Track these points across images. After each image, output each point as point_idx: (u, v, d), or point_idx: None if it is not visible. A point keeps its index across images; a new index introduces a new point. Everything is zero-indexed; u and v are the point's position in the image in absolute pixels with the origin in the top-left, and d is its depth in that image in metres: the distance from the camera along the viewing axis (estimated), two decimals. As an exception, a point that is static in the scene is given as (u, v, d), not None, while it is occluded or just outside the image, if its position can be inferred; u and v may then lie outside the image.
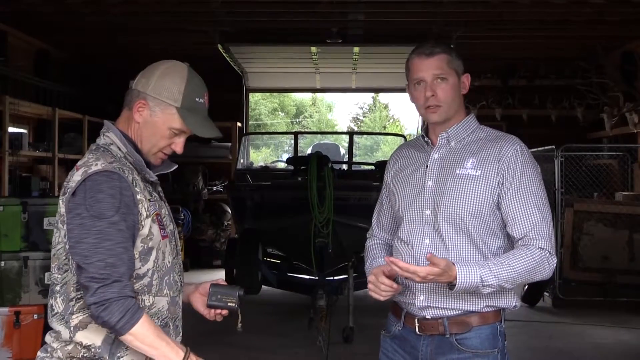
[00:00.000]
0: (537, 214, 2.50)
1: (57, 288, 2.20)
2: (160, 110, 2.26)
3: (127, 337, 2.10)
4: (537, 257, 2.46)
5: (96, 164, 2.16)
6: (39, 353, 2.26)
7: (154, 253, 2.22)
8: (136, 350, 2.15)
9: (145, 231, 2.19)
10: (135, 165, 2.25)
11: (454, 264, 2.41)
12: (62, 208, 2.18)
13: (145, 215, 2.19)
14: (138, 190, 2.19)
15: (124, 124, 2.31)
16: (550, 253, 2.49)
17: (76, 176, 2.17)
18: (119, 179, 2.14)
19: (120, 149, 2.26)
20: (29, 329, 6.13)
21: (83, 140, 10.09)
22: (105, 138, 2.29)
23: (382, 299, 2.55)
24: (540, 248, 2.47)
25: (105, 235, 2.08)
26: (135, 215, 2.15)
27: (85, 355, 2.17)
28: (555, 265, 2.52)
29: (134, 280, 2.18)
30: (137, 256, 2.18)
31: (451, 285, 2.42)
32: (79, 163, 2.22)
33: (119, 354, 2.18)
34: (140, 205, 2.17)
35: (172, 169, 2.43)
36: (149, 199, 2.23)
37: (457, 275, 2.40)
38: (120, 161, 2.21)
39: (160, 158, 2.34)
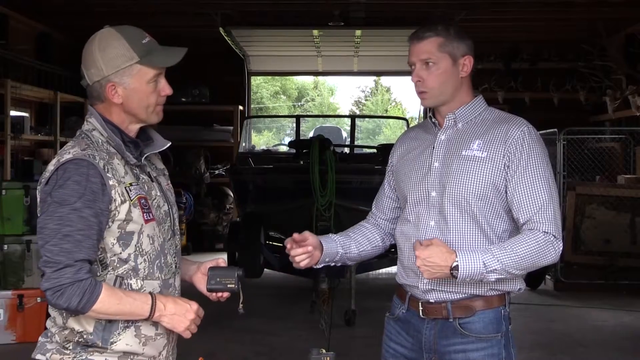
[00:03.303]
0: (543, 197, 2.45)
1: None
2: (129, 77, 2.23)
3: (91, 314, 2.12)
4: (542, 241, 2.41)
5: (69, 152, 2.16)
6: (40, 338, 2.27)
7: (135, 237, 2.20)
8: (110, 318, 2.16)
9: (122, 216, 2.17)
10: (117, 149, 2.24)
11: (455, 251, 2.40)
12: (38, 198, 2.20)
13: (120, 201, 2.16)
14: (111, 175, 2.16)
15: (105, 114, 2.28)
16: (555, 237, 2.43)
17: (50, 165, 2.18)
18: (87, 166, 2.13)
19: (101, 134, 2.25)
20: (32, 312, 6.17)
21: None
22: (87, 124, 2.28)
23: (302, 265, 2.64)
24: (545, 232, 2.42)
25: (65, 221, 2.08)
26: (104, 203, 2.13)
27: (79, 340, 2.18)
28: (561, 249, 2.45)
29: (118, 265, 2.18)
30: (114, 241, 2.17)
31: (454, 273, 2.38)
32: (59, 151, 2.23)
33: (112, 340, 2.18)
34: (113, 192, 2.15)
35: (166, 147, 2.39)
36: (132, 183, 2.21)
37: (459, 263, 2.37)
38: (99, 147, 2.20)
39: (160, 111, 2.32)
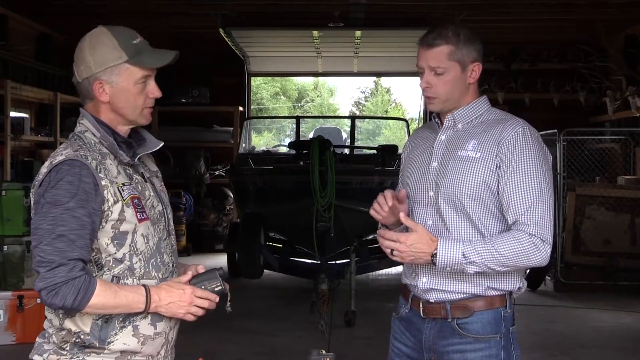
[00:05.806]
0: (531, 198, 2.44)
1: None
2: (117, 75, 2.23)
3: (88, 310, 2.12)
4: (525, 243, 2.41)
5: (61, 154, 2.17)
6: (37, 339, 2.27)
7: (129, 237, 2.20)
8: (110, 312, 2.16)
9: (115, 216, 2.17)
10: (110, 149, 2.24)
11: (437, 239, 2.44)
12: (32, 200, 2.20)
13: (113, 201, 2.17)
14: (103, 176, 2.16)
15: (95, 113, 2.28)
16: (542, 240, 2.42)
17: (43, 168, 2.19)
18: (80, 166, 2.13)
19: (94, 135, 2.25)
20: (32, 313, 6.16)
21: (85, 124, 10.09)
22: (80, 126, 2.28)
23: (378, 217, 2.63)
24: (530, 234, 2.42)
25: (59, 221, 2.08)
26: (97, 203, 2.14)
27: (76, 341, 2.18)
28: (549, 252, 2.44)
29: (113, 265, 2.19)
30: (109, 241, 2.18)
31: (433, 259, 2.43)
32: (52, 153, 2.23)
33: (109, 339, 2.19)
34: (105, 192, 2.15)
35: (158, 147, 2.39)
36: (124, 183, 2.21)
37: (438, 249, 2.42)
38: (91, 147, 2.21)
39: (148, 114, 2.32)
